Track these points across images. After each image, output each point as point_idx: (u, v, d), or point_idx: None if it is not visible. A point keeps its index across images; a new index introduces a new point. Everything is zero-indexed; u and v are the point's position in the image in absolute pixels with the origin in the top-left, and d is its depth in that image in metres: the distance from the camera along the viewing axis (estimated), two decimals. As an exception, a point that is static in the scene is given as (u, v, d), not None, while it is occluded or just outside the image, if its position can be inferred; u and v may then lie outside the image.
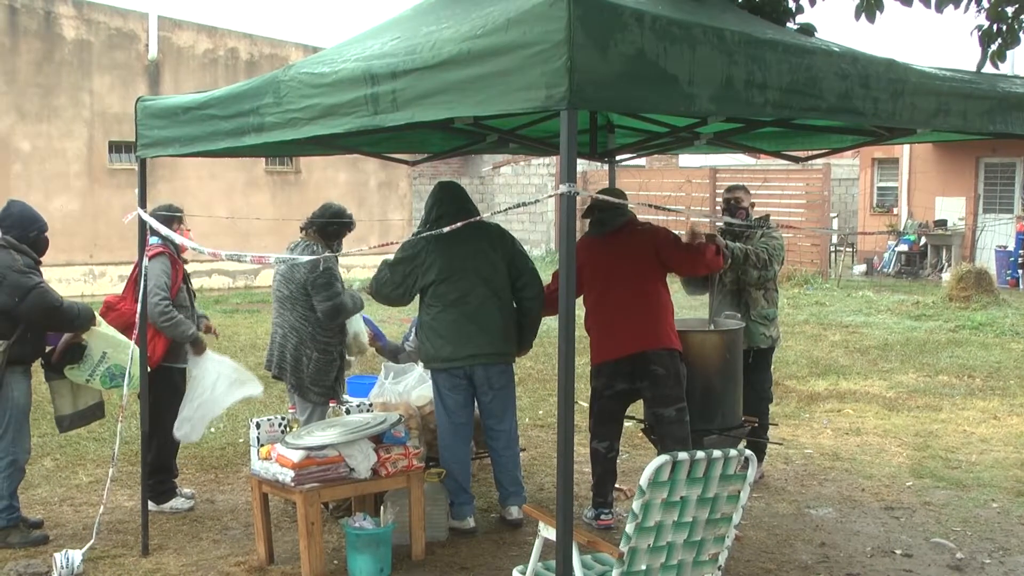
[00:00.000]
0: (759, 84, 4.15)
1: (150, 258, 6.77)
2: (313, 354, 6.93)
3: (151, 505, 6.79)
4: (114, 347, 6.72)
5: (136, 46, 21.10)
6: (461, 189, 6.95)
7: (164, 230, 6.38)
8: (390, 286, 6.69)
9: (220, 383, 7.03)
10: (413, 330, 7.54)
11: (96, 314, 6.76)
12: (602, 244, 6.73)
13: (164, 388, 6.95)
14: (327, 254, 6.78)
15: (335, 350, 7.03)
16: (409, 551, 6.22)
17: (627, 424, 8.83)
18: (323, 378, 6.97)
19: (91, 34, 20.56)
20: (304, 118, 4.77)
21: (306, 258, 6.63)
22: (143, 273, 6.47)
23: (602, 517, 6.77)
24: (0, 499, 6.50)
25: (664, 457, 4.13)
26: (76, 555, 6.08)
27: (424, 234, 6.10)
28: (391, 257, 6.75)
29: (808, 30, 5.39)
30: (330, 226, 7.10)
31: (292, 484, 5.83)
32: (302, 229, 7.20)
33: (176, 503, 7.17)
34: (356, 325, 7.34)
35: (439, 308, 6.60)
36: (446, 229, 4.75)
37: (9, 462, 6.53)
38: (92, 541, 6.37)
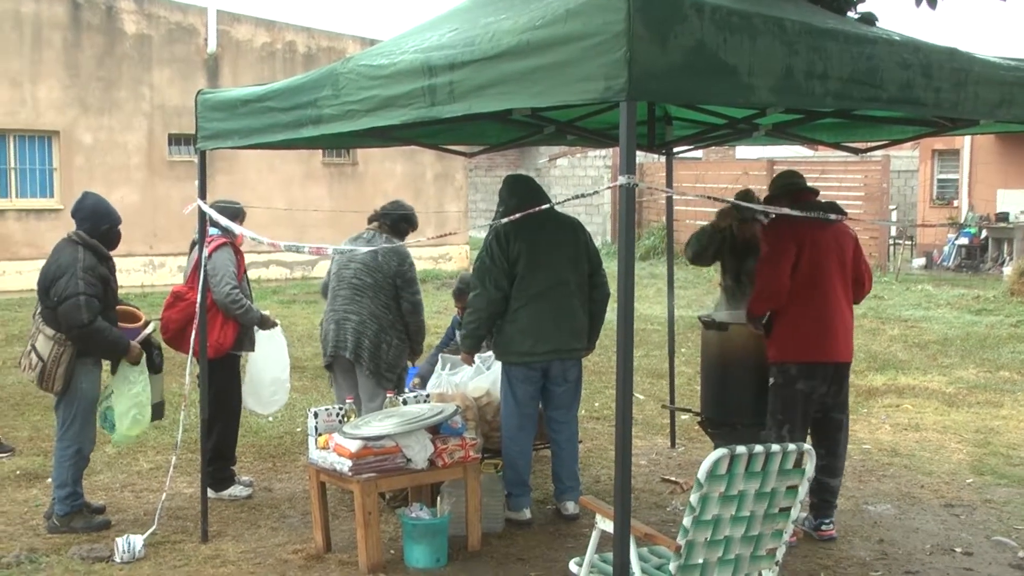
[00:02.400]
0: (819, 74, 4.10)
1: (215, 249, 6.90)
2: (393, 340, 7.10)
3: (210, 492, 6.88)
4: (122, 392, 6.75)
5: (195, 40, 21.32)
6: (533, 180, 7.01)
7: (224, 220, 6.45)
8: (493, 274, 6.58)
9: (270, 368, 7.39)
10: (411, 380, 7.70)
11: (133, 348, 6.69)
12: (823, 235, 6.29)
13: (229, 376, 7.10)
14: (385, 245, 6.98)
15: (406, 341, 7.22)
16: (465, 542, 6.24)
17: (683, 417, 8.83)
18: (399, 363, 7.19)
19: (151, 28, 20.80)
20: (362, 110, 4.80)
21: (363, 249, 6.81)
22: (203, 264, 6.55)
23: (823, 528, 6.46)
24: (64, 486, 6.62)
25: (722, 450, 4.10)
26: (138, 540, 6.19)
27: (498, 222, 6.11)
28: (467, 276, 6.83)
29: (869, 19, 5.33)
30: (402, 223, 7.31)
31: (350, 473, 5.87)
32: (372, 220, 7.35)
33: (235, 491, 7.27)
34: None
35: (521, 301, 6.59)
36: (517, 216, 4.79)
37: (75, 451, 6.65)
38: (154, 527, 6.46)
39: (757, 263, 6.47)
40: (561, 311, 6.62)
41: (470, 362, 7.13)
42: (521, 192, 6.72)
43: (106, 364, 6.83)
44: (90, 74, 20.15)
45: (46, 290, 6.50)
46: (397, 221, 7.28)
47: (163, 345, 7.09)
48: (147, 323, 6.98)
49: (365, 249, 6.81)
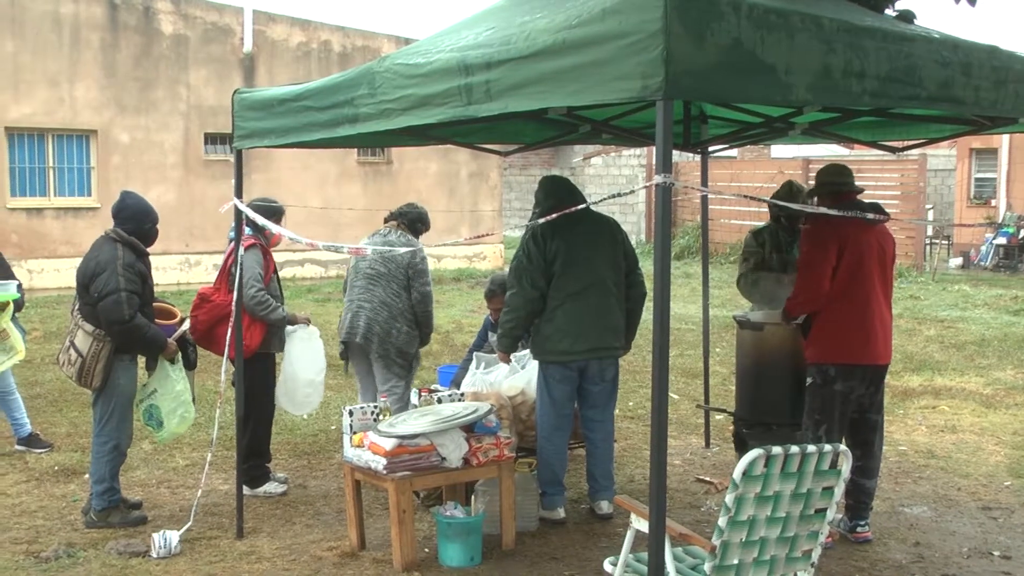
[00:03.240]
0: (857, 73, 4.08)
1: (244, 249, 6.93)
2: (403, 327, 7.40)
3: (245, 489, 6.92)
4: (167, 390, 6.84)
5: (231, 40, 21.44)
6: (569, 181, 7.03)
7: (261, 219, 6.49)
8: (530, 273, 6.59)
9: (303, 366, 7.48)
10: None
11: (170, 345, 6.78)
12: (866, 236, 6.25)
13: (260, 375, 7.14)
14: (423, 245, 7.26)
15: (416, 330, 7.51)
16: (499, 540, 6.25)
17: (718, 417, 8.80)
18: (408, 349, 7.45)
19: (188, 28, 20.94)
20: (398, 108, 4.81)
21: (403, 249, 7.09)
22: (239, 263, 6.58)
23: (859, 529, 6.44)
24: (102, 481, 6.68)
25: (758, 451, 4.08)
26: (174, 536, 6.24)
27: (535, 222, 6.12)
28: (504, 277, 6.90)
29: (907, 17, 5.28)
30: (418, 223, 7.65)
31: (384, 472, 5.89)
32: (390, 219, 7.68)
33: (269, 487, 7.31)
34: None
35: (558, 300, 6.59)
36: (554, 216, 4.80)
37: (112, 447, 6.72)
38: (190, 523, 6.51)
39: (797, 263, 6.44)
40: (599, 310, 6.62)
41: (507, 361, 7.14)
42: (557, 193, 6.72)
43: (140, 360, 6.90)
44: (127, 74, 20.31)
45: (85, 286, 6.56)
46: (414, 220, 7.64)
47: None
48: (183, 320, 7.05)
49: (402, 250, 7.10)
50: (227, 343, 6.56)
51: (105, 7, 20.01)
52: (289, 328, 7.44)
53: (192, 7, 20.98)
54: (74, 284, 6.72)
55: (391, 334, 7.36)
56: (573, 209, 4.80)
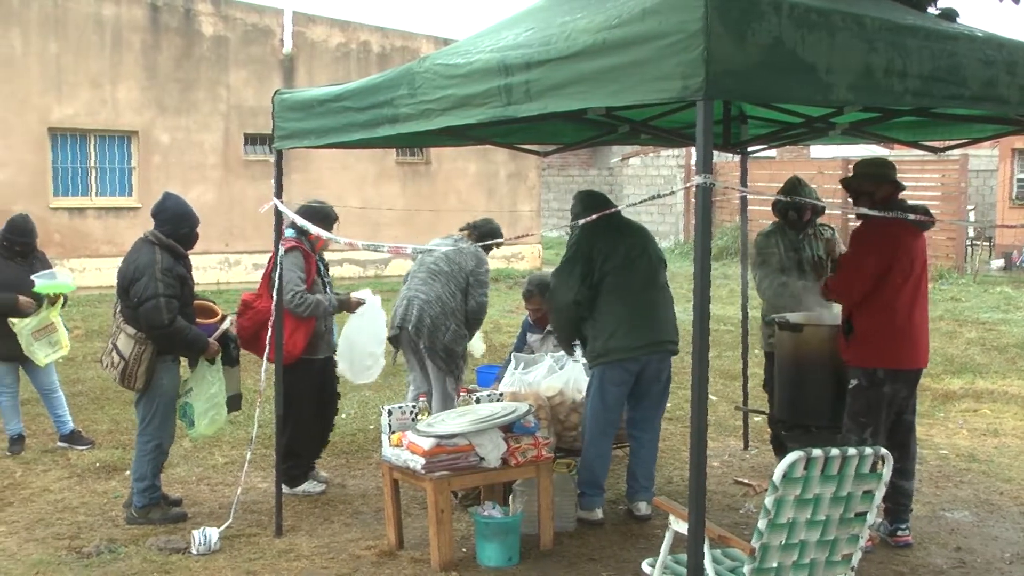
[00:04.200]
0: (899, 72, 4.05)
1: (283, 252, 6.96)
2: (452, 326, 7.47)
3: (284, 488, 6.96)
4: (202, 391, 6.91)
5: (271, 41, 21.57)
6: (603, 194, 7.21)
7: (300, 220, 6.51)
8: (572, 279, 6.64)
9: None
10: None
11: (211, 345, 6.85)
12: (916, 241, 6.23)
13: (302, 379, 7.16)
14: (465, 246, 7.46)
15: (465, 329, 7.60)
16: (537, 541, 6.25)
17: (756, 419, 8.76)
18: (454, 348, 7.51)
19: (228, 30, 21.08)
20: (438, 109, 4.82)
21: (441, 248, 7.22)
22: (279, 262, 6.61)
23: (899, 533, 6.39)
24: (143, 479, 6.75)
25: (798, 453, 4.06)
26: (213, 533, 6.28)
27: (573, 224, 6.18)
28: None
29: (950, 15, 5.23)
30: (488, 237, 7.62)
31: (422, 471, 5.90)
32: (464, 228, 7.84)
33: (307, 486, 7.35)
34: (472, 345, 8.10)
35: (613, 300, 6.62)
36: (593, 217, 4.83)
37: (155, 446, 6.79)
38: (229, 520, 6.56)
39: (842, 259, 6.40)
40: (655, 306, 6.72)
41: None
42: (595, 204, 6.77)
43: (183, 359, 6.97)
44: (168, 75, 20.47)
45: (125, 290, 6.63)
46: (484, 235, 7.67)
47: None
48: (223, 317, 7.10)
49: (444, 248, 7.28)
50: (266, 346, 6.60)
51: (147, 9, 20.19)
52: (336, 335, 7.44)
53: (232, 9, 21.13)
54: (115, 283, 6.78)
55: (440, 330, 7.45)
56: (606, 212, 4.84)
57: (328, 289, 7.49)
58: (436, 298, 7.48)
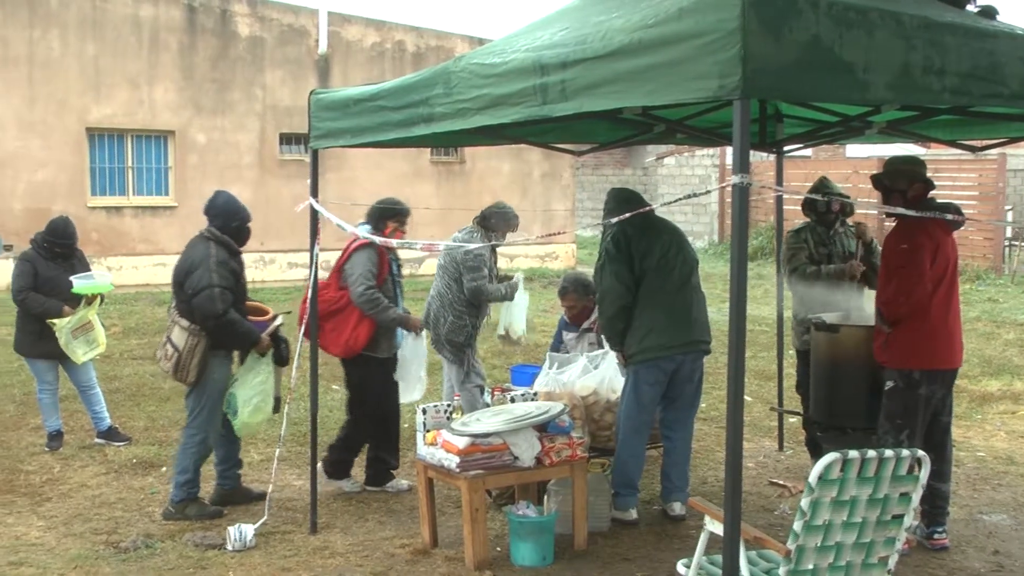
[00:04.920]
0: (937, 70, 4.02)
1: (355, 249, 7.15)
2: (449, 317, 7.81)
3: (321, 480, 7.02)
4: (247, 380, 6.97)
5: (307, 41, 21.67)
6: (636, 191, 7.19)
7: (335, 219, 6.50)
8: (618, 291, 6.65)
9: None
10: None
11: (263, 340, 6.93)
12: (950, 237, 6.22)
13: (363, 375, 7.24)
14: (489, 243, 7.52)
15: (467, 320, 7.82)
16: (571, 540, 6.24)
17: (791, 420, 8.71)
18: (455, 338, 7.82)
19: (264, 31, 21.20)
20: (473, 108, 4.82)
21: (473, 246, 7.31)
22: (313, 262, 6.63)
23: (936, 536, 6.33)
24: (185, 472, 6.84)
25: (834, 454, 4.04)
26: (249, 529, 6.33)
27: (601, 223, 6.20)
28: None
29: (990, 12, 5.18)
30: (489, 220, 7.92)
31: (457, 470, 5.92)
32: (475, 219, 7.99)
33: (345, 484, 7.38)
34: (509, 318, 8.21)
35: (649, 299, 6.63)
36: (626, 216, 4.81)
37: (201, 439, 6.90)
38: (264, 517, 6.60)
39: (887, 264, 6.26)
40: (689, 306, 6.72)
41: (623, 361, 7.02)
42: (629, 201, 6.80)
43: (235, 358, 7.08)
44: (204, 76, 20.62)
45: (180, 284, 6.77)
46: (486, 217, 7.95)
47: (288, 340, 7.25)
48: (275, 317, 7.15)
49: (474, 246, 7.38)
50: (342, 338, 6.95)
51: (183, 10, 20.35)
52: (401, 335, 7.43)
53: (268, 9, 21.25)
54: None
55: (440, 322, 7.83)
56: (645, 210, 4.82)
57: (399, 291, 7.51)
58: (437, 293, 7.90)
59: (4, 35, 18.95)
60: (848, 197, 7.13)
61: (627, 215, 4.91)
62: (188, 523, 6.70)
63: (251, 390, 6.92)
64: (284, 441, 7.16)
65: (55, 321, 8.20)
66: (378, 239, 6.91)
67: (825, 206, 7.39)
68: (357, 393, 7.36)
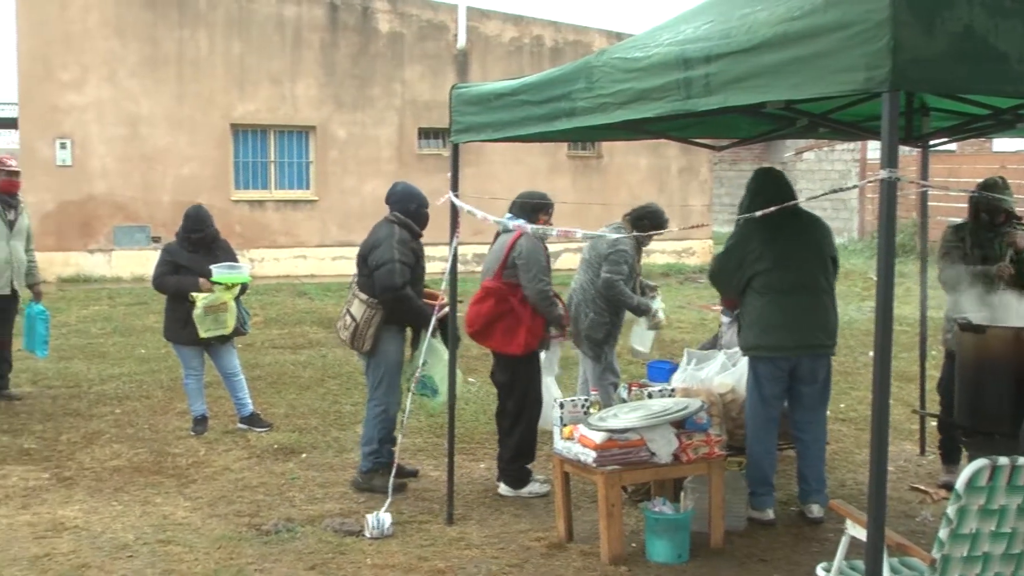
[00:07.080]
0: (1095, 60, 3.85)
1: (523, 243, 7.13)
2: (590, 314, 7.84)
3: (505, 489, 7.15)
4: (436, 359, 7.16)
5: (446, 36, 21.88)
6: (782, 175, 6.97)
7: (480, 213, 6.51)
8: (725, 274, 6.82)
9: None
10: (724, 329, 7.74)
11: (434, 322, 6.98)
12: None
13: (533, 372, 7.30)
14: (625, 235, 7.61)
15: (608, 317, 7.85)
16: (707, 539, 6.19)
17: (934, 423, 8.47)
18: (594, 334, 7.85)
19: (403, 27, 21.49)
20: (615, 103, 4.80)
21: (611, 235, 7.42)
22: (452, 253, 6.66)
23: None
24: (370, 442, 7.16)
25: (983, 461, 3.92)
26: (387, 518, 6.43)
27: (742, 217, 6.11)
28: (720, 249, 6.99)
29: None
30: (643, 219, 7.87)
31: (594, 465, 5.92)
32: (625, 215, 8.06)
33: (533, 487, 7.25)
34: (640, 337, 8.40)
35: (768, 297, 6.54)
36: (758, 213, 4.73)
37: (382, 411, 7.21)
38: (389, 500, 6.66)
39: None
40: (808, 307, 6.55)
41: (730, 305, 7.18)
42: (766, 191, 6.62)
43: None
44: (345, 72, 21.00)
45: (364, 258, 7.21)
46: (638, 217, 7.91)
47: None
48: (444, 305, 7.23)
49: (612, 235, 7.49)
50: (520, 338, 7.04)
51: (325, 8, 20.76)
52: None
53: (408, 6, 21.53)
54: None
55: (580, 318, 7.84)
56: (772, 209, 4.69)
57: None
58: (579, 287, 7.91)
59: (155, 35, 19.61)
60: (1011, 204, 6.87)
61: (756, 213, 4.79)
62: (327, 508, 6.84)
63: (444, 368, 7.06)
64: (421, 432, 7.25)
65: (194, 294, 8.43)
66: (534, 228, 6.83)
67: (988, 215, 7.15)
68: (530, 390, 7.23)
